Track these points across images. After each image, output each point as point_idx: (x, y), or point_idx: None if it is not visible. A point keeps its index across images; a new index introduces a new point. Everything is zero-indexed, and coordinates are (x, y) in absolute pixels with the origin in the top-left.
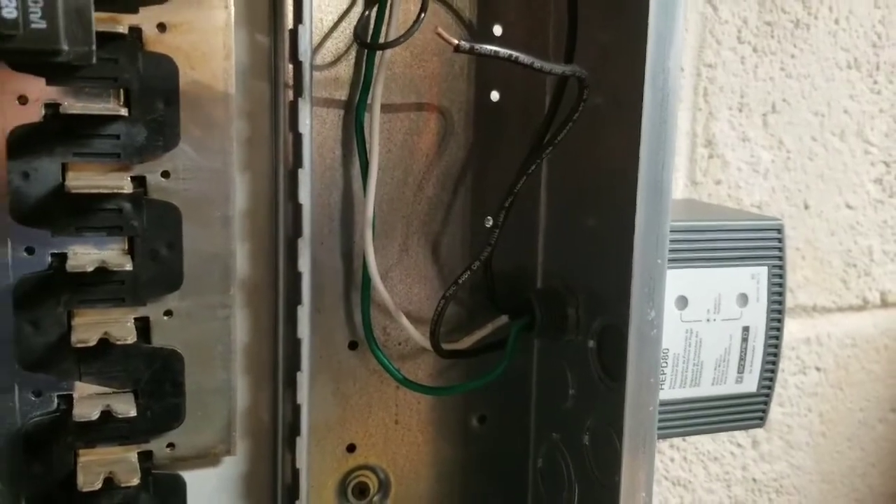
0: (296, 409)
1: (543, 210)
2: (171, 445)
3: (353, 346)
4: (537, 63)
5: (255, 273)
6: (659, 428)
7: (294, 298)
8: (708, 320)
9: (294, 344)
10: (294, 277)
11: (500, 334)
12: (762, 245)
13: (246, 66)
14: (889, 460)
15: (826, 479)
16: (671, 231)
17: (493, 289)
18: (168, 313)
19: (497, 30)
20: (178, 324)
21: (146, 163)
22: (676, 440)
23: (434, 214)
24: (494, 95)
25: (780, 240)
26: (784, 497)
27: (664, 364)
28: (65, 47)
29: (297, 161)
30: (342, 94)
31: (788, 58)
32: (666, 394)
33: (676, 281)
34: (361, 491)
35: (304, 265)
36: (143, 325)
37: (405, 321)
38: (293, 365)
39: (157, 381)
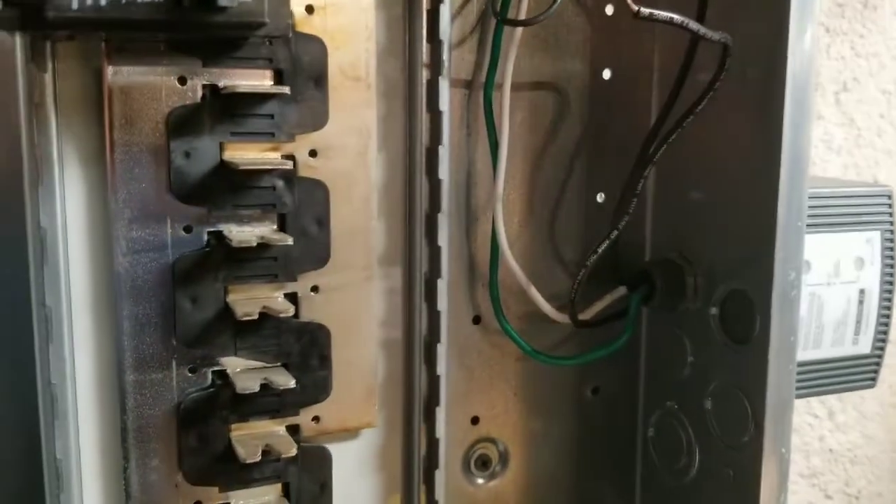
0: (434, 381)
1: (652, 183)
2: (316, 419)
3: (476, 320)
4: (702, 29)
5: (390, 248)
6: None
7: (434, 272)
8: (828, 284)
9: (434, 316)
10: (434, 252)
11: (618, 306)
12: (875, 210)
13: (383, 46)
14: None
15: (894, 447)
16: None
17: (617, 262)
18: (314, 289)
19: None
20: (324, 299)
21: (296, 142)
22: None
23: (551, 191)
24: (606, 73)
25: (890, 205)
26: (858, 467)
27: None
28: (267, 20)
29: (437, 138)
30: (466, 74)
31: (857, 37)
32: None
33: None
34: (484, 463)
35: (443, 239)
36: (292, 301)
37: (535, 293)
38: (433, 337)
39: (306, 354)
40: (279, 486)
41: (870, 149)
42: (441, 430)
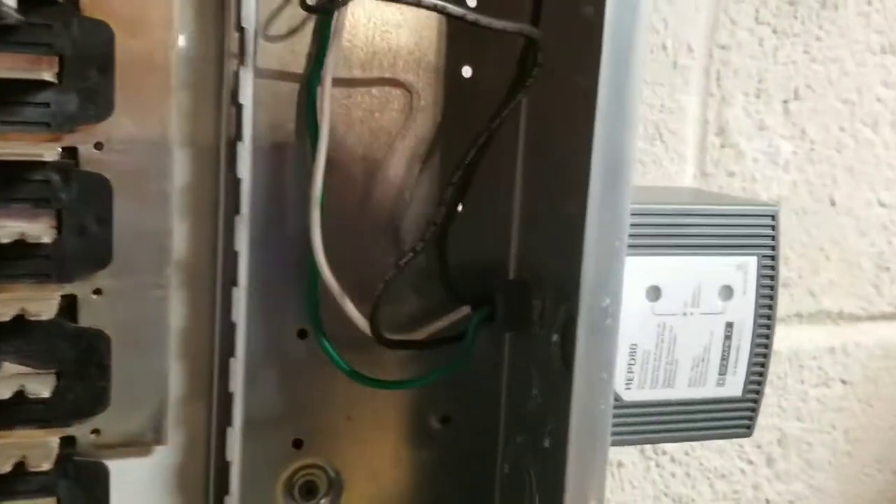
0: (228, 398)
1: (518, 197)
2: (96, 431)
3: (302, 334)
4: (471, 16)
5: (196, 253)
6: (625, 432)
7: (230, 280)
8: (685, 314)
9: (229, 328)
10: (229, 258)
11: (464, 327)
12: (751, 233)
13: (192, 35)
14: None
15: (851, 503)
16: (643, 215)
17: (447, 274)
18: (97, 292)
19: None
20: (107, 303)
21: (78, 133)
22: (678, 453)
23: (396, 197)
24: (467, 71)
25: (773, 227)
26: None
27: (631, 361)
28: None
29: (238, 134)
30: (297, 68)
31: (813, 40)
32: (634, 394)
33: (648, 269)
34: (309, 490)
35: (241, 244)
36: (71, 304)
37: (350, 307)
38: (227, 352)
39: (82, 362)
40: (53, 500)
41: (825, 164)
42: (235, 453)
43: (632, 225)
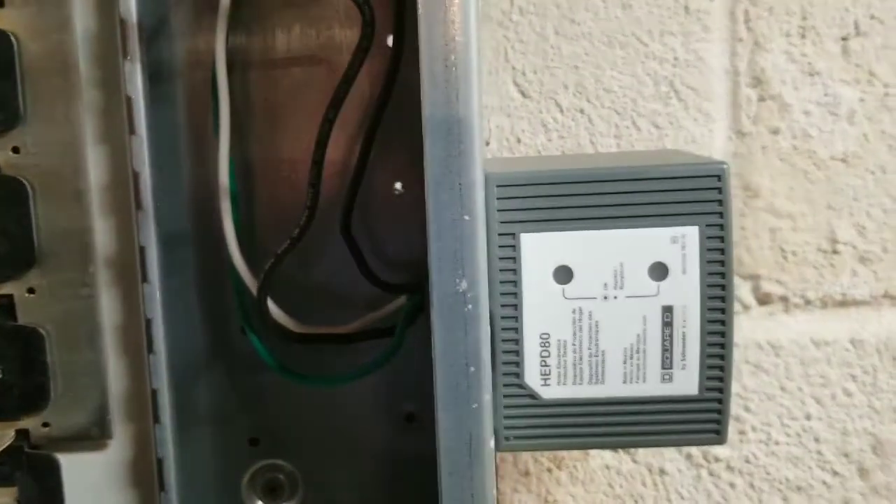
0: (153, 395)
1: None
2: (46, 425)
3: (245, 330)
4: None
5: (122, 249)
6: (550, 435)
7: (141, 276)
8: (605, 297)
9: (146, 325)
10: (139, 252)
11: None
12: (690, 199)
13: (94, 33)
14: None
15: None
16: (537, 184)
17: (363, 260)
18: (31, 291)
19: None
20: (41, 302)
21: None
22: (735, 460)
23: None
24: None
25: (720, 190)
26: None
27: (545, 353)
28: None
29: (131, 127)
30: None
31: None
32: (554, 391)
33: (554, 247)
34: (272, 489)
35: (146, 239)
36: (9, 303)
37: (264, 298)
38: (147, 348)
39: (22, 359)
40: (13, 489)
41: None
42: (167, 449)
43: (531, 196)
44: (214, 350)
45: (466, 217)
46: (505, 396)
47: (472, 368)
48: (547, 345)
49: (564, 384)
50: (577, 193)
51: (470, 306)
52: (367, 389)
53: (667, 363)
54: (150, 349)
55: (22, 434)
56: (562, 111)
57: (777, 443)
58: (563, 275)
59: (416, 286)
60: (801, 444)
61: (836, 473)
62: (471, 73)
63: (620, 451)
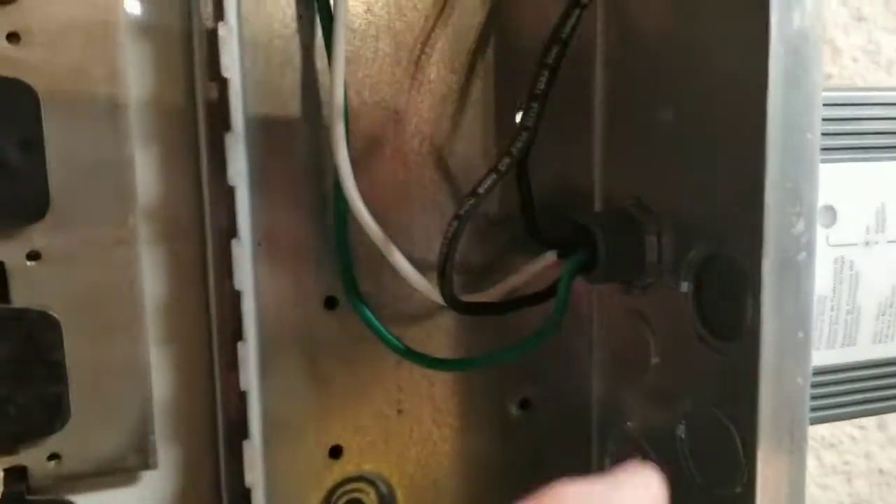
0: (241, 399)
1: (599, 107)
2: (54, 457)
3: (330, 303)
4: None
5: (169, 193)
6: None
7: (227, 228)
8: (867, 243)
9: (232, 299)
10: (222, 195)
11: (549, 279)
12: None
13: None
14: None
15: None
16: None
17: (533, 209)
18: (34, 256)
19: None
20: (49, 272)
21: None
22: None
23: (441, 107)
24: None
25: None
26: None
27: None
28: None
29: (218, 13)
30: None
31: None
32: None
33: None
34: None
35: (236, 174)
36: None
37: (400, 260)
38: (234, 332)
39: (22, 360)
40: None
41: None
42: (256, 474)
43: None
44: (285, 332)
45: (810, 135)
46: None
47: (801, 334)
48: None
49: (818, 349)
50: (838, 118)
51: (804, 254)
52: (468, 375)
53: None
54: (240, 335)
55: (17, 475)
56: None
57: None
58: (828, 215)
59: (582, 241)
60: None
61: (861, 426)
62: None
63: None
